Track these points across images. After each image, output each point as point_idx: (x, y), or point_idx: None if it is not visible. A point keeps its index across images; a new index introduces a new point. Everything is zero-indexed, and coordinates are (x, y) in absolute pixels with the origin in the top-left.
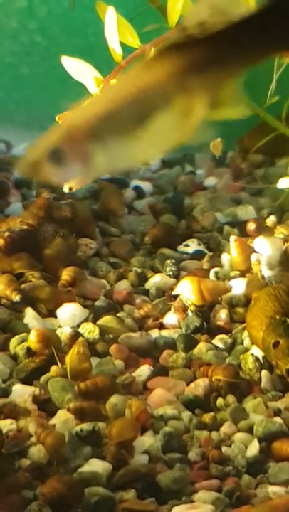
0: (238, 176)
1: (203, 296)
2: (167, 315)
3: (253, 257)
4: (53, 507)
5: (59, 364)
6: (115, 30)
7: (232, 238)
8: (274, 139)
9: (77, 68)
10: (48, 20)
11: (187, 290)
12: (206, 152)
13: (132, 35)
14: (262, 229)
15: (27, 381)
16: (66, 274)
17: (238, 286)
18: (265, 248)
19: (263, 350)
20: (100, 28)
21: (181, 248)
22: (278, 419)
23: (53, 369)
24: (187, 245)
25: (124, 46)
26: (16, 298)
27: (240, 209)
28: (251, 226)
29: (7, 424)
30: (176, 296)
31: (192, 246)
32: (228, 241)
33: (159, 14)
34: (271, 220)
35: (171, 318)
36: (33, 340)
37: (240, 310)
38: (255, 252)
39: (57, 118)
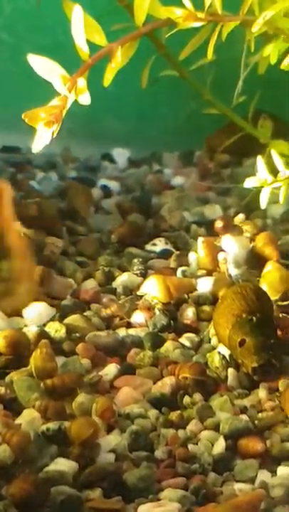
0: (206, 176)
1: (170, 292)
2: (134, 313)
3: (220, 256)
4: (19, 507)
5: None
6: (82, 28)
7: (200, 239)
8: (241, 139)
9: (44, 66)
10: (15, 18)
11: (153, 288)
12: (173, 151)
13: (99, 33)
14: (229, 227)
15: None
16: None
17: (205, 285)
18: (232, 247)
19: (230, 349)
20: (70, 27)
21: (148, 247)
22: (244, 417)
23: (19, 368)
24: (154, 244)
25: (93, 45)
26: None
27: (208, 208)
28: (219, 224)
29: None
30: (142, 295)
31: (159, 245)
32: (196, 240)
33: (127, 13)
34: (239, 218)
35: (138, 316)
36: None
37: (207, 308)
38: (223, 250)
39: (23, 116)
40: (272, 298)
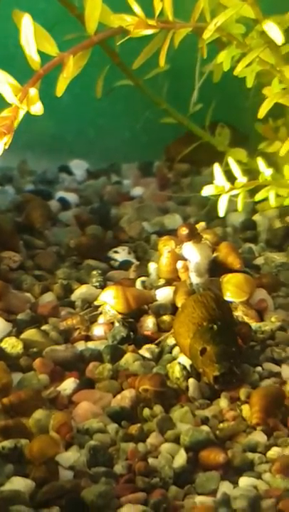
0: (165, 185)
1: (129, 304)
2: (93, 326)
3: (179, 264)
4: None
5: None
6: (32, 37)
7: (166, 249)
8: (199, 148)
9: None
10: None
11: (112, 299)
12: (132, 162)
13: (49, 43)
14: (193, 235)
15: None
16: None
17: (165, 295)
18: (193, 255)
19: (191, 358)
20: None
21: (108, 258)
22: (205, 428)
23: None
24: (114, 255)
25: (46, 56)
26: None
27: (168, 218)
28: (184, 231)
29: None
30: (100, 304)
31: (119, 256)
32: (156, 250)
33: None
34: (201, 226)
35: (97, 329)
36: None
37: (167, 319)
38: (184, 259)
39: None
40: (239, 300)
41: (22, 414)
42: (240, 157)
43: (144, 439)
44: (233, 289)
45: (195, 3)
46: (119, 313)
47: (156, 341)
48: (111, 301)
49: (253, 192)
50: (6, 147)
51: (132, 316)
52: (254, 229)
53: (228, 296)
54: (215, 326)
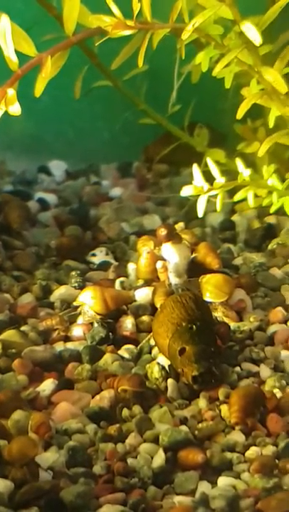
0: (144, 186)
1: (107, 304)
2: (72, 327)
3: (158, 264)
4: None
5: None
6: (10, 38)
7: (145, 250)
8: (178, 149)
9: None
10: None
11: (90, 300)
12: (111, 162)
13: (27, 43)
14: (172, 236)
15: None
16: None
17: (144, 295)
18: (172, 256)
19: (169, 358)
20: None
21: (87, 259)
22: (184, 428)
23: None
24: (93, 256)
25: (23, 55)
26: None
27: (147, 218)
28: (162, 232)
29: None
30: (78, 307)
31: (98, 257)
32: (135, 251)
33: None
34: (180, 227)
35: (76, 330)
36: None
37: (146, 319)
38: (163, 259)
39: None
40: (219, 300)
41: (1, 415)
42: (218, 158)
43: (123, 439)
44: (212, 289)
45: (173, 4)
46: (98, 313)
47: (140, 345)
48: (89, 301)
49: (231, 192)
50: None
51: (111, 317)
52: (233, 229)
53: (207, 297)
54: (194, 327)
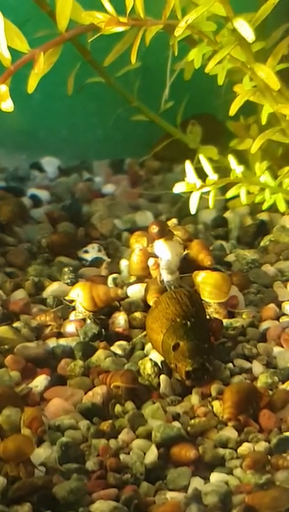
0: (136, 183)
1: (95, 302)
2: (65, 323)
3: (150, 261)
4: None
5: None
6: (2, 34)
7: (137, 247)
8: (171, 145)
9: None
10: None
11: (79, 297)
12: (103, 159)
13: (20, 39)
14: (164, 233)
15: None
16: None
17: (136, 292)
18: (164, 253)
19: (163, 353)
20: None
21: (79, 255)
22: (177, 424)
23: None
24: (86, 252)
25: (16, 52)
26: None
27: (139, 215)
28: (154, 229)
29: None
30: (71, 303)
31: (91, 253)
32: (127, 247)
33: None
34: (173, 223)
35: (69, 326)
36: None
37: (138, 315)
38: (155, 256)
39: None
40: (220, 300)
41: None
42: (211, 154)
43: (116, 435)
44: (212, 289)
45: (166, 0)
46: (88, 310)
47: (133, 341)
48: (78, 298)
49: (224, 189)
50: None
51: (104, 313)
52: (225, 226)
53: (206, 297)
54: (189, 323)
